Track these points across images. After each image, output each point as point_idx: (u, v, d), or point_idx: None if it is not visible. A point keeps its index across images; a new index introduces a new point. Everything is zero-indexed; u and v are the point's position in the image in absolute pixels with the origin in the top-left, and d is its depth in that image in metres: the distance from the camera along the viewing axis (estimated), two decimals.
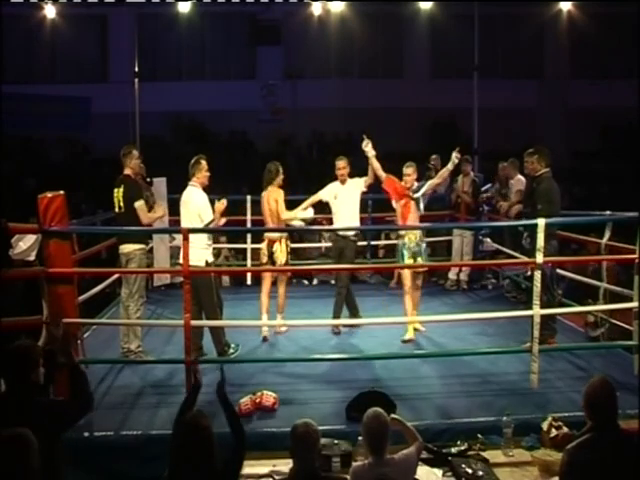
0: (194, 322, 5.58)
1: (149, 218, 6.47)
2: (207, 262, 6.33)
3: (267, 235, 7.20)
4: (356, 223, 7.43)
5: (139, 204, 6.33)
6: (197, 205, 6.33)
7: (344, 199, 7.32)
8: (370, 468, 3.50)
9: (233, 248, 10.29)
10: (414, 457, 3.73)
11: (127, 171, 6.49)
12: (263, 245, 7.22)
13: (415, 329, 7.01)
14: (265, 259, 7.16)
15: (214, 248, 7.26)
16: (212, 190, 6.72)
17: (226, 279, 9.91)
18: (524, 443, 4.65)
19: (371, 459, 3.53)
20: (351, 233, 7.35)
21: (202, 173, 6.46)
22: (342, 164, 7.40)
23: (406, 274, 7.09)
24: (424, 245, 7.12)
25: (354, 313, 7.51)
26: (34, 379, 3.55)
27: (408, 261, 6.97)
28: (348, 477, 3.60)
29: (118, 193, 6.41)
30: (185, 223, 6.37)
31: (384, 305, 8.29)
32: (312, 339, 6.88)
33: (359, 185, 7.40)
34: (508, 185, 9.07)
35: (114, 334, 6.63)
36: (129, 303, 6.36)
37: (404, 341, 6.79)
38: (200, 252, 6.23)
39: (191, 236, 6.22)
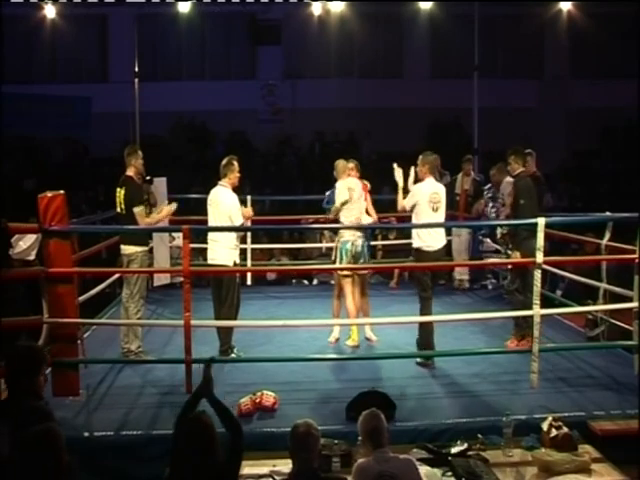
0: (195, 322, 5.58)
1: (147, 224, 6.44)
2: (235, 262, 6.34)
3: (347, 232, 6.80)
4: None
5: (138, 210, 6.29)
6: (229, 206, 6.27)
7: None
8: (374, 464, 3.55)
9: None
10: (414, 461, 3.79)
11: (130, 171, 6.46)
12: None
13: (367, 338, 6.90)
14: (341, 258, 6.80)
15: None
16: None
17: None
18: (524, 443, 4.64)
19: (374, 456, 3.56)
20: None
21: (234, 174, 6.44)
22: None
23: (347, 280, 6.80)
24: (366, 248, 6.87)
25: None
26: (38, 385, 3.44)
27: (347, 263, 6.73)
28: (348, 477, 3.61)
29: (120, 194, 6.39)
30: (214, 223, 6.35)
31: (384, 305, 8.29)
32: (312, 339, 6.87)
33: None
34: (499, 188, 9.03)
35: (114, 334, 6.62)
36: (130, 304, 6.35)
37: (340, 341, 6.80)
38: (228, 252, 6.25)
39: (220, 236, 6.25)
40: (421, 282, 6.33)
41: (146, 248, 6.64)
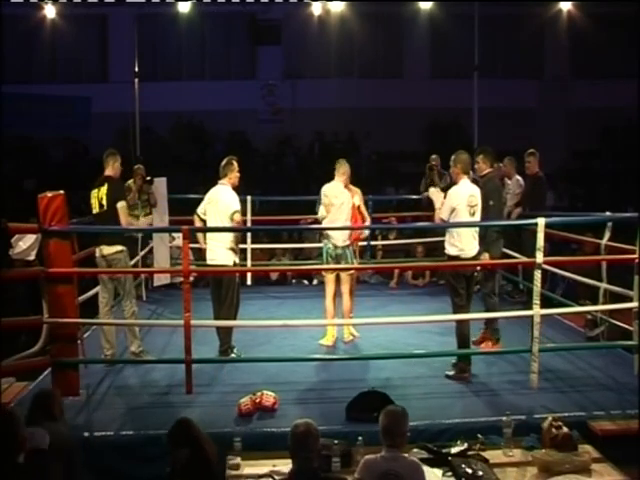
0: (195, 322, 5.57)
1: (128, 223, 6.42)
2: (234, 262, 6.34)
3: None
4: None
5: (121, 204, 6.26)
6: (228, 204, 6.28)
7: None
8: (382, 461, 3.56)
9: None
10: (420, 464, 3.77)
11: (109, 172, 6.43)
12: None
13: (351, 334, 6.94)
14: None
15: None
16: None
17: None
18: (524, 443, 4.63)
19: (384, 453, 3.58)
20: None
21: (234, 173, 6.45)
22: None
23: (328, 278, 6.87)
24: (350, 250, 6.82)
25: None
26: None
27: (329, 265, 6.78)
28: (348, 477, 3.61)
29: (100, 192, 6.31)
30: (214, 222, 6.34)
31: (384, 305, 8.30)
32: (312, 339, 6.87)
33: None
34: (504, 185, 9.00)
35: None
36: (126, 304, 6.34)
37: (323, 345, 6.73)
38: (228, 252, 6.25)
39: (219, 236, 6.25)
40: (455, 289, 5.91)
41: (125, 248, 6.47)
